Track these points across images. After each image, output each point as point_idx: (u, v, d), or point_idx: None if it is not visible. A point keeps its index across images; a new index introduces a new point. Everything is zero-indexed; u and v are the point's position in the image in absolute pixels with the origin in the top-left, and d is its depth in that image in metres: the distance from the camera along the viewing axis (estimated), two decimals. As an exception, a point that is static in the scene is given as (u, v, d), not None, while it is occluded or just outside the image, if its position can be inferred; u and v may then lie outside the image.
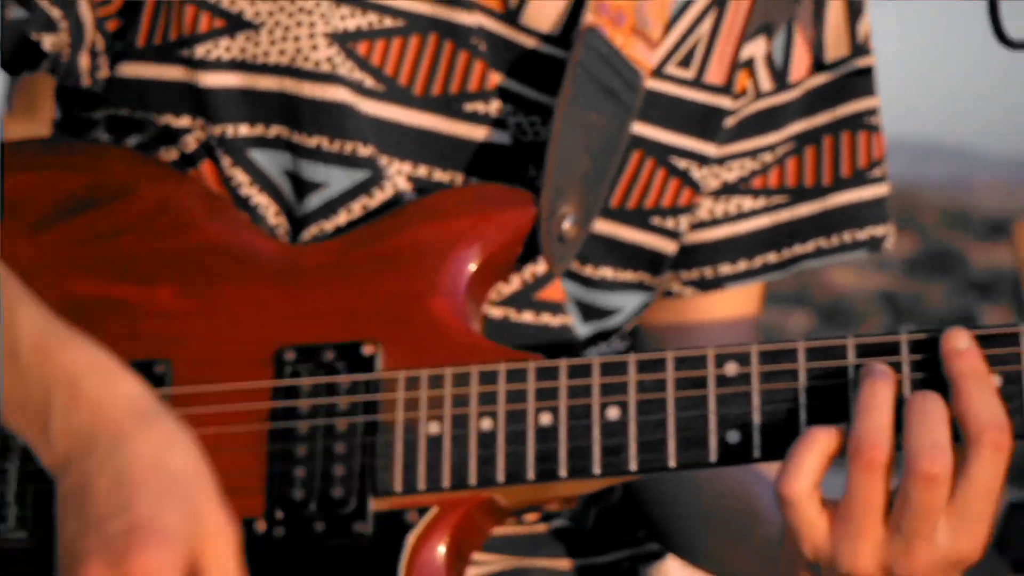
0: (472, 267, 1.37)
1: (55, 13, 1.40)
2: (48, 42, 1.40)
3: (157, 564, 1.17)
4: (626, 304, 1.51)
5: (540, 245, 1.39)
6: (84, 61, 1.44)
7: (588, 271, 1.48)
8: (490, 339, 1.38)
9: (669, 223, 1.50)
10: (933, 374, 1.24)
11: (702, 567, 1.57)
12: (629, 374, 1.28)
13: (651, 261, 1.51)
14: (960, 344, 1.23)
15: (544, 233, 1.39)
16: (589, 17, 1.42)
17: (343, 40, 1.41)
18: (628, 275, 1.50)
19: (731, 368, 1.27)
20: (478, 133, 1.44)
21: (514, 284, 1.43)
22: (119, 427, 1.23)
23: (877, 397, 1.22)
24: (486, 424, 1.30)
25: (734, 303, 1.58)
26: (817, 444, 1.23)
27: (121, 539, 1.18)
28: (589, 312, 1.49)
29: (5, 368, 1.27)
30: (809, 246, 1.55)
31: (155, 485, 1.20)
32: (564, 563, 1.48)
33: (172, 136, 1.44)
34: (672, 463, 1.27)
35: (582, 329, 1.47)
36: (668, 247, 1.51)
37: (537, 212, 1.39)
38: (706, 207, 1.54)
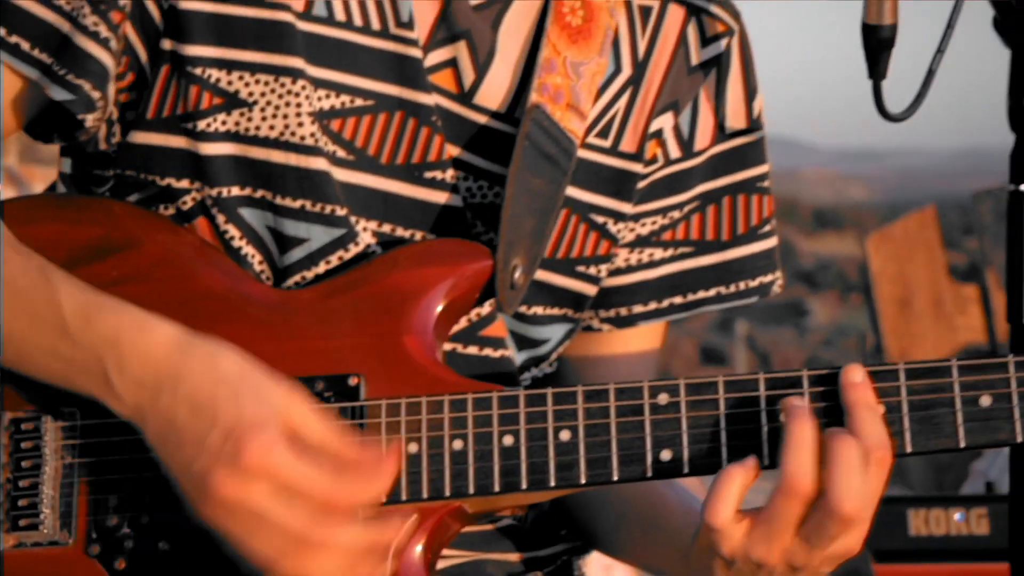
0: (438, 310, 1.60)
1: (96, 95, 1.60)
2: (90, 120, 1.61)
3: (265, 445, 1.42)
4: (553, 335, 1.76)
5: (496, 292, 1.63)
6: (103, 129, 1.65)
7: (523, 309, 1.72)
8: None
9: (591, 270, 1.75)
10: (832, 402, 1.50)
11: (620, 559, 1.84)
12: (578, 402, 1.53)
13: (575, 300, 1.75)
14: (855, 378, 1.49)
15: (500, 283, 1.63)
16: (534, 96, 1.66)
17: (322, 118, 1.63)
18: (555, 311, 1.74)
19: (663, 398, 1.53)
20: (435, 196, 1.67)
21: (462, 323, 1.66)
22: (170, 365, 1.48)
23: (803, 436, 1.46)
24: (457, 444, 1.54)
25: (643, 338, 1.83)
26: (735, 480, 1.48)
27: (227, 445, 1.43)
28: (523, 342, 1.73)
29: (58, 340, 1.51)
30: (711, 292, 1.81)
31: (223, 393, 1.46)
32: (513, 556, 1.72)
33: (171, 195, 1.65)
34: (615, 477, 1.52)
35: (517, 357, 1.73)
36: (590, 290, 1.76)
37: (494, 265, 1.62)
38: (623, 256, 1.79)
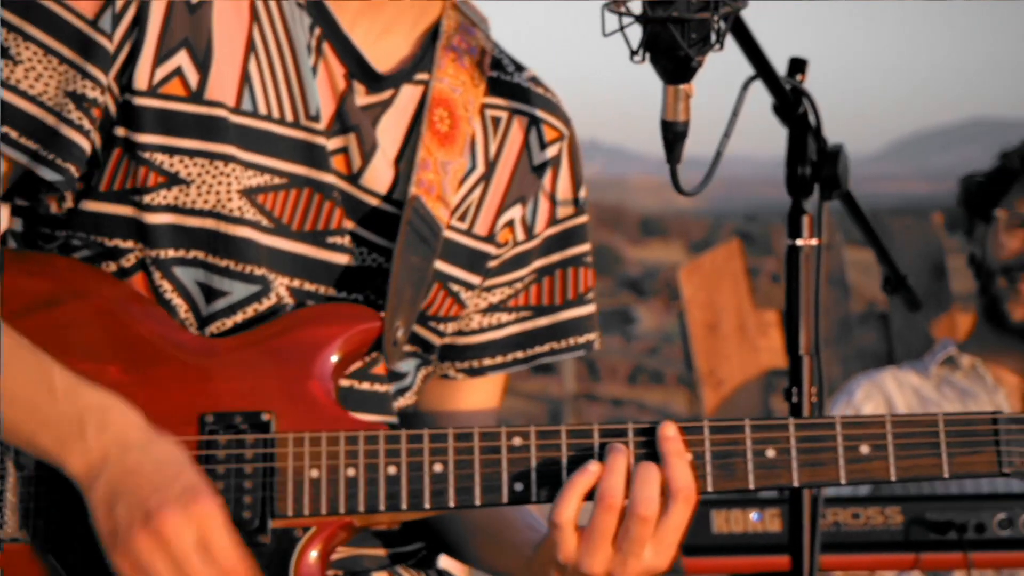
0: (336, 360, 1.96)
1: (77, 175, 1.94)
2: (68, 194, 1.96)
3: (212, 505, 1.83)
4: (410, 369, 2.13)
5: (383, 349, 2.00)
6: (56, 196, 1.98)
7: None
8: (340, 402, 1.97)
9: (440, 326, 2.12)
10: (651, 450, 1.90)
11: (468, 564, 2.24)
12: (449, 441, 1.91)
13: (424, 345, 2.12)
14: (669, 433, 1.90)
15: (386, 342, 2.00)
16: (413, 189, 2.03)
17: (248, 193, 1.97)
18: (409, 349, 2.11)
19: (517, 440, 1.92)
20: (335, 258, 2.03)
21: (357, 365, 2.03)
22: (143, 434, 1.86)
23: (617, 464, 1.87)
24: (351, 472, 1.90)
25: (490, 385, 2.23)
26: (576, 487, 1.88)
27: (185, 494, 1.82)
28: (391, 375, 2.09)
29: (42, 401, 1.86)
30: (545, 347, 2.21)
31: (187, 467, 1.86)
32: (382, 551, 2.08)
33: (115, 254, 1.96)
34: (478, 503, 1.90)
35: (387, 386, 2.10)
36: (436, 339, 2.13)
37: (382, 326, 2.00)
38: (476, 319, 2.18)
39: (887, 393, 3.70)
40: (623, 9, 1.85)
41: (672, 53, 1.86)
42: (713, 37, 1.86)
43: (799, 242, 2.24)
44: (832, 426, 1.92)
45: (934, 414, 1.94)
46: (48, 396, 1.87)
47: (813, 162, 2.25)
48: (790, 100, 2.22)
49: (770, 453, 1.92)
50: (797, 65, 2.24)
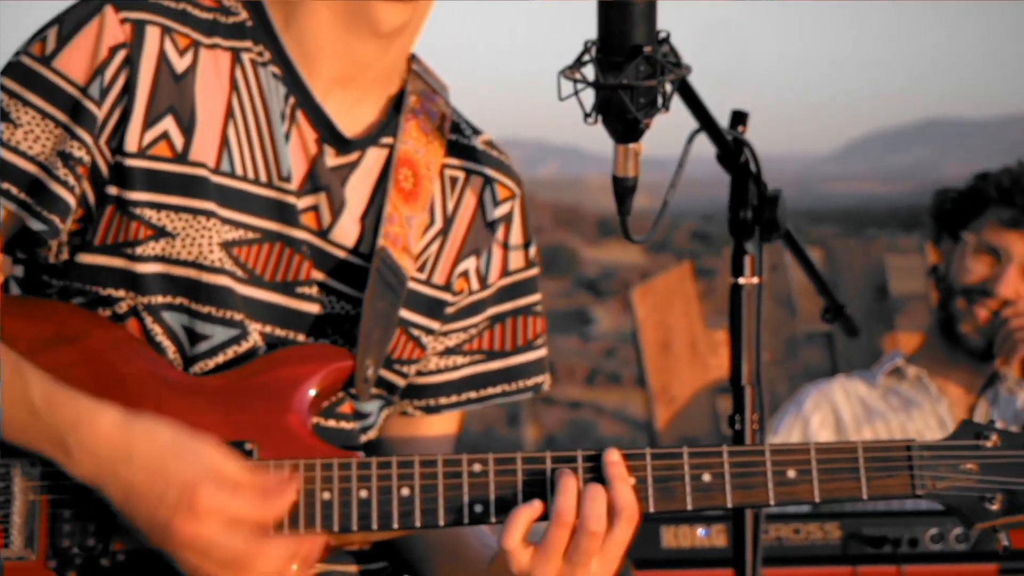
0: (312, 395, 2.14)
1: (62, 227, 2.11)
2: (54, 244, 2.13)
3: (210, 493, 2.00)
4: (374, 409, 2.30)
5: (356, 385, 2.17)
6: (54, 249, 2.14)
7: None
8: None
9: (403, 368, 2.29)
10: (598, 474, 2.08)
11: None
12: (415, 467, 2.09)
13: (389, 387, 2.29)
14: (613, 459, 2.09)
15: (358, 379, 2.17)
16: (381, 241, 2.20)
17: (227, 246, 2.14)
18: (376, 391, 2.27)
19: (477, 467, 2.10)
20: (305, 306, 2.20)
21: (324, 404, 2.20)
22: (120, 444, 2.03)
23: (568, 486, 2.06)
24: (326, 495, 2.07)
25: (446, 422, 2.40)
26: (523, 516, 2.06)
27: (182, 498, 2.00)
28: (356, 414, 2.26)
29: (29, 419, 2.02)
30: (498, 389, 2.39)
31: (168, 459, 2.03)
32: (353, 568, 2.25)
33: (109, 301, 2.13)
34: (441, 523, 2.08)
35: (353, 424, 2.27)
36: (400, 381, 2.30)
37: (354, 365, 2.17)
38: (434, 361, 2.35)
39: (834, 403, 3.85)
40: (577, 76, 2.03)
41: (622, 116, 2.03)
42: (660, 101, 2.04)
43: (741, 280, 2.41)
44: (762, 453, 2.12)
45: (854, 442, 2.14)
46: (32, 416, 2.04)
47: (754, 206, 2.42)
48: (732, 150, 2.39)
49: (706, 477, 2.10)
50: (738, 117, 2.41)
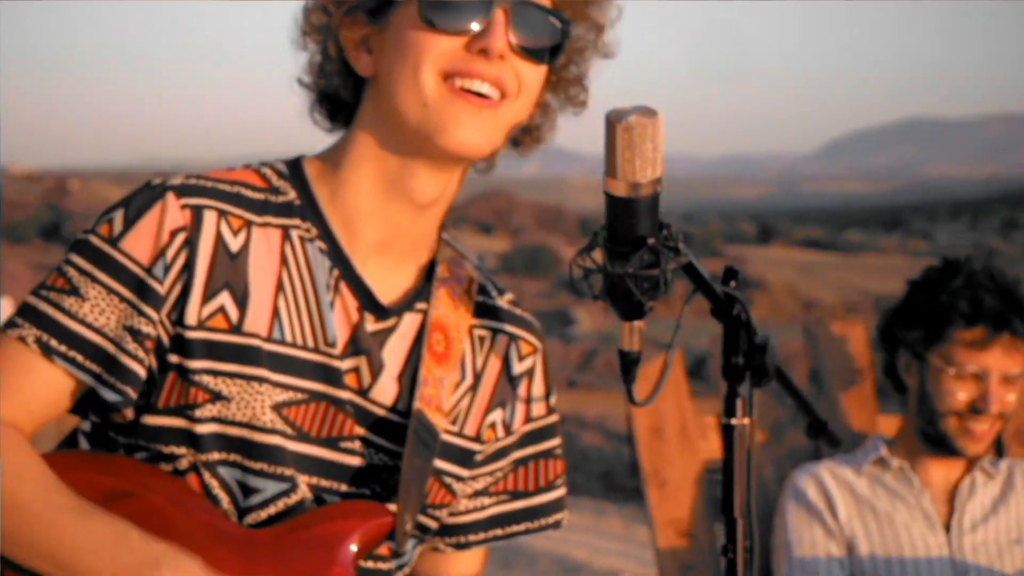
0: (355, 549, 2.36)
1: (134, 397, 2.33)
2: (127, 412, 2.35)
3: None
4: (409, 548, 2.53)
5: (396, 539, 2.38)
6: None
7: None
8: None
9: (436, 512, 2.52)
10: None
11: None
12: None
13: (423, 528, 2.53)
14: None
15: (398, 533, 2.39)
16: (417, 404, 2.41)
17: (278, 407, 2.35)
18: (412, 532, 2.49)
19: None
20: (348, 459, 2.39)
21: None
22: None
23: None
24: None
25: (473, 556, 2.64)
26: None
27: None
28: (395, 554, 2.49)
29: (122, 551, 2.20)
30: (521, 527, 2.62)
31: None
32: None
33: (170, 458, 2.34)
34: None
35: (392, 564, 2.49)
36: (433, 524, 2.53)
37: (395, 520, 2.39)
38: (463, 503, 2.58)
39: (827, 489, 3.91)
40: (588, 263, 2.24)
41: (628, 299, 2.25)
42: (662, 287, 2.25)
43: (733, 421, 2.63)
44: None
45: None
46: (127, 547, 2.23)
47: (745, 351, 2.64)
48: (724, 304, 2.61)
49: None
50: (730, 274, 2.63)
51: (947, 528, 3.90)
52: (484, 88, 2.32)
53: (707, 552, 4.19)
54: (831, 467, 3.97)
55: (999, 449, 4.27)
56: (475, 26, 2.31)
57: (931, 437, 3.90)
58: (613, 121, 2.13)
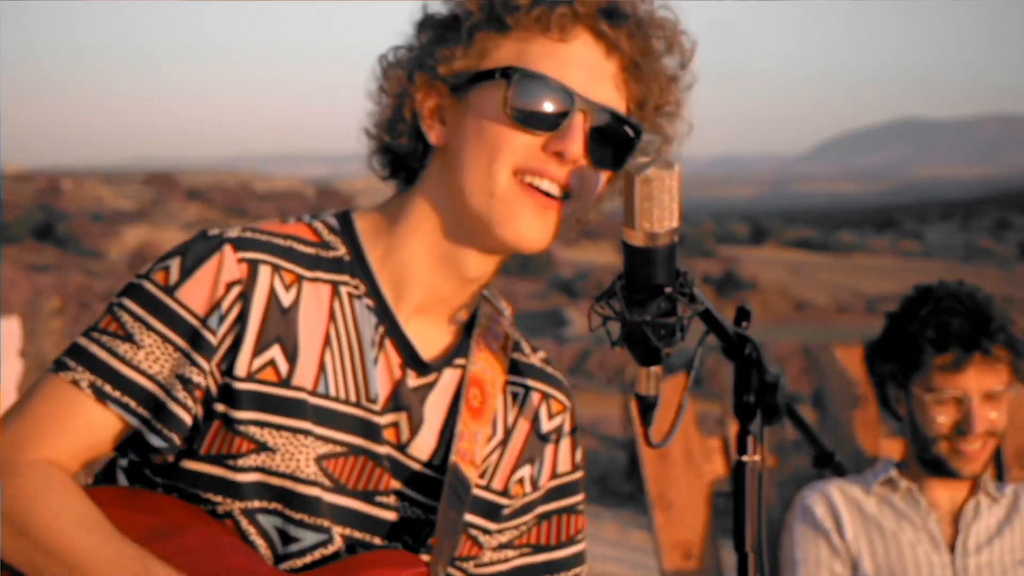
0: None
1: (180, 443, 2.36)
2: (170, 456, 2.38)
3: None
4: None
5: None
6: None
7: None
8: None
9: (463, 564, 2.56)
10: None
11: None
12: None
13: None
14: None
15: None
16: (453, 458, 2.43)
17: (319, 460, 2.36)
18: None
19: None
20: (383, 513, 2.42)
21: None
22: None
23: None
24: None
25: None
26: None
27: None
28: None
29: None
30: None
31: None
32: None
33: (206, 501, 2.33)
34: None
35: None
36: None
37: (428, 572, 2.37)
38: (489, 555, 2.58)
39: (835, 507, 3.96)
40: (607, 311, 2.29)
41: (646, 346, 2.30)
42: (678, 334, 2.30)
43: (745, 458, 2.68)
44: None
45: None
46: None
47: (756, 390, 2.69)
48: (736, 344, 2.66)
49: None
50: (742, 314, 2.68)
51: (951, 549, 3.97)
52: (552, 188, 2.36)
53: (713, 573, 4.24)
54: (841, 485, 4.03)
55: (999, 466, 4.34)
56: (557, 128, 2.34)
57: (928, 462, 3.98)
58: (632, 173, 2.19)
